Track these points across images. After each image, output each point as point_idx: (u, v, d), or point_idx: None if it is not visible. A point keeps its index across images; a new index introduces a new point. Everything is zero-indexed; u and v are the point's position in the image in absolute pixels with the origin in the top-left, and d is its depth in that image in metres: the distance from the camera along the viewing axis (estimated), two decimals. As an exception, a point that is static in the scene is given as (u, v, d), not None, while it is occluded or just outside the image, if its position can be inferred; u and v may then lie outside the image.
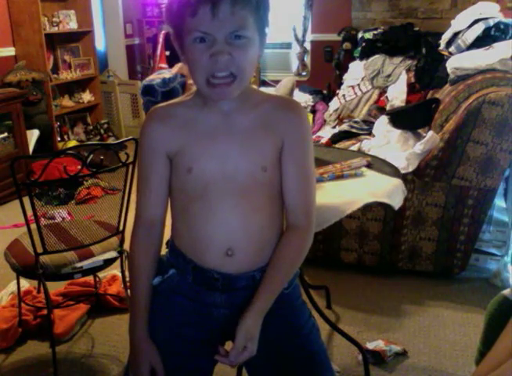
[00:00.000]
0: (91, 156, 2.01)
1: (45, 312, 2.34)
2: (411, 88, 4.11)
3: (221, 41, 1.04)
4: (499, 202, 3.18)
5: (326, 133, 4.13)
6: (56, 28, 5.11)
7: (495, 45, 2.97)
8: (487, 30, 3.18)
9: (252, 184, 1.16)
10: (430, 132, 2.71)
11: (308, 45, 6.20)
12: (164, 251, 1.32)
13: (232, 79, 1.08)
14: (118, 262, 2.28)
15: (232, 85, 1.08)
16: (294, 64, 6.40)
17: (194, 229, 1.20)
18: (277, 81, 5.49)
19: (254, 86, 1.22)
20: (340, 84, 4.97)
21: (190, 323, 1.24)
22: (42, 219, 2.32)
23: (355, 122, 4.08)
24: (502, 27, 3.18)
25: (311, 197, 1.22)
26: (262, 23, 1.10)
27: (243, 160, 1.15)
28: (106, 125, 5.71)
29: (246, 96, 1.17)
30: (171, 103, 1.22)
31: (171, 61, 5.73)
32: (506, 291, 1.52)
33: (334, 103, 4.70)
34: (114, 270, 2.77)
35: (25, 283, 2.65)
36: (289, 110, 1.20)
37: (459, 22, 3.40)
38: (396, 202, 1.91)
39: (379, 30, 4.87)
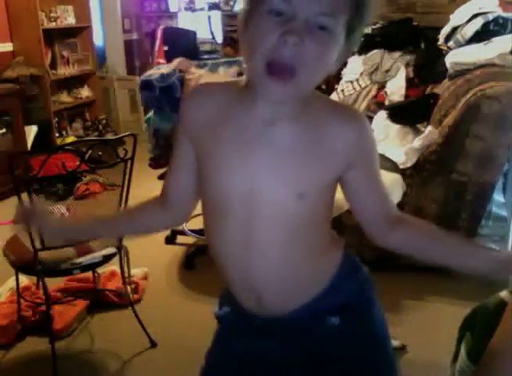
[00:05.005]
0: (89, 151, 2.01)
1: (44, 308, 2.33)
2: (410, 83, 4.10)
3: (301, 20, 0.83)
4: (498, 197, 3.19)
5: (325, 128, 4.12)
6: (54, 23, 5.09)
7: (494, 39, 2.96)
8: (486, 24, 3.17)
9: (281, 213, 0.97)
10: (429, 127, 2.71)
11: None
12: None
13: (290, 75, 0.86)
14: (117, 257, 2.27)
15: (288, 83, 0.87)
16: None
17: (217, 260, 1.06)
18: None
19: (319, 94, 1.01)
20: (338, 79, 4.96)
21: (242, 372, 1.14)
22: (41, 215, 2.31)
23: (354, 117, 4.07)
24: (501, 21, 3.17)
25: (390, 198, 1.09)
26: (354, 26, 0.90)
27: (273, 183, 0.95)
28: (104, 121, 5.70)
29: (303, 106, 0.95)
30: (220, 85, 1.06)
31: (170, 56, 5.71)
32: (503, 293, 1.48)
33: (333, 98, 4.69)
34: (113, 266, 2.76)
35: (24, 279, 2.65)
36: (355, 124, 0.98)
37: (458, 16, 3.39)
38: (395, 197, 1.92)
39: (377, 25, 4.85)
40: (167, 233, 3.30)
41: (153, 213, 1.16)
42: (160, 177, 2.73)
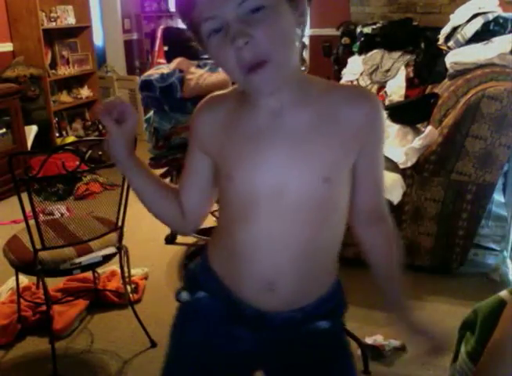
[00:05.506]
0: (89, 151, 2.01)
1: (44, 308, 2.34)
2: (410, 83, 4.10)
3: (234, 20, 0.86)
4: (498, 197, 3.19)
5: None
6: (54, 23, 5.10)
7: (494, 39, 2.96)
8: (486, 24, 3.17)
9: (307, 201, 0.96)
10: (429, 127, 2.71)
11: (306, 40, 6.19)
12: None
13: (263, 63, 0.88)
14: (117, 257, 2.27)
15: (267, 70, 0.88)
16: (293, 59, 6.38)
17: (235, 255, 1.03)
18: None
19: (313, 76, 1.02)
20: (338, 79, 4.96)
21: (210, 356, 1.11)
22: (41, 215, 2.32)
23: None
24: (501, 21, 3.17)
25: (384, 193, 1.10)
26: None
27: (297, 170, 0.95)
28: (104, 121, 5.70)
29: (302, 87, 0.97)
30: (228, 91, 1.05)
31: (170, 56, 5.71)
32: (503, 293, 1.47)
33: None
34: (113, 266, 2.77)
35: (24, 279, 2.65)
36: (365, 102, 0.97)
37: (458, 16, 3.39)
38: (395, 197, 1.92)
39: (378, 25, 4.86)
40: (167, 232, 3.30)
41: (173, 208, 1.10)
42: (161, 177, 2.73)
